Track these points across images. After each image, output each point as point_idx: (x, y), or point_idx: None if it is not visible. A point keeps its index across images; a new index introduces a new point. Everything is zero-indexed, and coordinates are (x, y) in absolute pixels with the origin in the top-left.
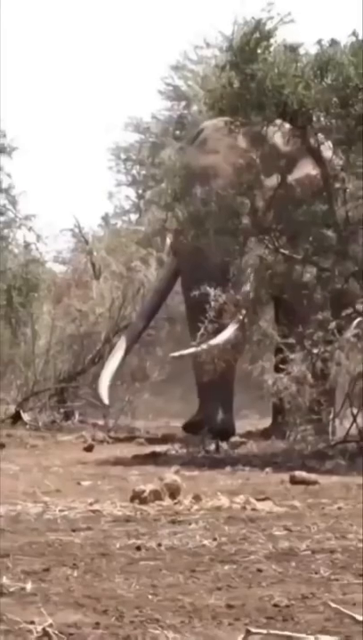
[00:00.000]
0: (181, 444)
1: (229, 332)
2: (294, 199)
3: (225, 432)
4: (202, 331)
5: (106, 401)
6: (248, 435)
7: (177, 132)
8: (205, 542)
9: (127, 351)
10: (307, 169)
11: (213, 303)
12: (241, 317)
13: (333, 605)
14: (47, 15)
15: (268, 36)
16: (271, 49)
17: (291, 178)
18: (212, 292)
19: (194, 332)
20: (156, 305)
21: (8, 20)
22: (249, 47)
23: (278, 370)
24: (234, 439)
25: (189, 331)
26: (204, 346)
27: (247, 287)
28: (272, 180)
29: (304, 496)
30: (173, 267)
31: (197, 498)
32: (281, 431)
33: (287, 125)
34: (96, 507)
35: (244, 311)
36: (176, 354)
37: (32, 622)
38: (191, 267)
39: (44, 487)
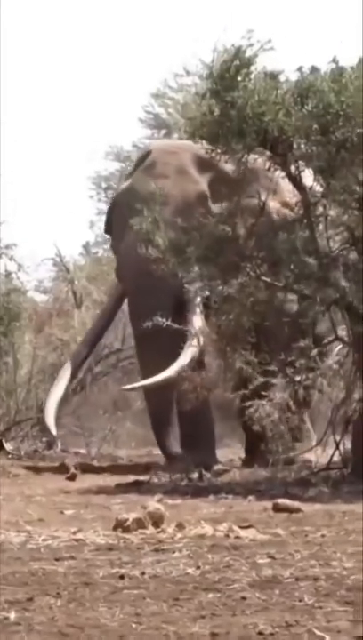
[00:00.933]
0: (164, 473)
1: (181, 361)
2: (275, 227)
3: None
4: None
5: (54, 431)
6: (231, 463)
7: None
8: (189, 570)
9: (71, 379)
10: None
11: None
12: (194, 346)
13: (317, 633)
14: (27, 43)
15: (248, 63)
16: (252, 76)
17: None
18: (163, 321)
19: (145, 363)
20: (100, 331)
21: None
22: (229, 74)
23: (259, 397)
24: (217, 467)
25: (138, 360)
26: (158, 377)
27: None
28: (221, 207)
29: (287, 524)
30: (118, 293)
31: (180, 526)
32: (264, 459)
33: (268, 153)
34: (79, 535)
35: (197, 340)
36: (128, 387)
37: None
38: (139, 293)
39: (27, 516)
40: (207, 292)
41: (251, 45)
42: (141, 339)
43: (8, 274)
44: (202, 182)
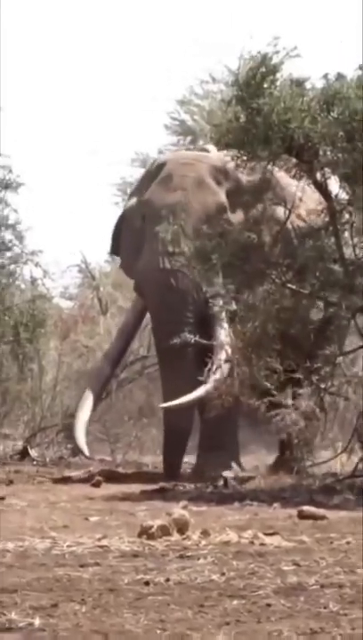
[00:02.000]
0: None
1: (214, 379)
2: (301, 234)
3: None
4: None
5: (87, 453)
6: (255, 470)
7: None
8: (214, 577)
9: (96, 399)
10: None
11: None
12: (223, 361)
13: None
14: (50, 43)
15: (274, 70)
16: (277, 83)
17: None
18: (191, 338)
19: (169, 378)
20: (122, 348)
21: (7, 49)
22: (255, 81)
23: (286, 405)
24: (242, 474)
25: (162, 375)
26: (193, 395)
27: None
28: (238, 216)
29: (312, 531)
30: (138, 307)
31: (205, 533)
32: (289, 466)
33: (294, 160)
34: (104, 542)
35: (225, 355)
36: (165, 405)
37: None
38: (162, 309)
39: (52, 523)
40: (234, 305)
41: (277, 52)
42: (165, 354)
43: (33, 280)
44: (220, 193)
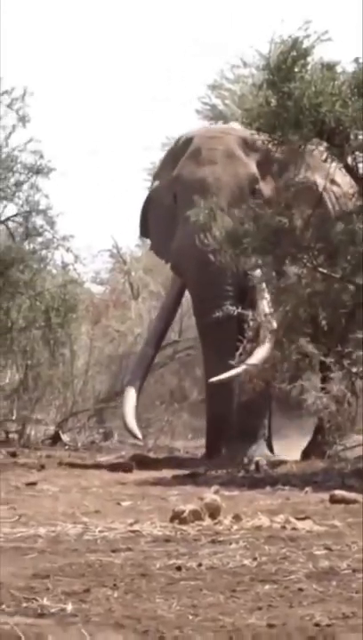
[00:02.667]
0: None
1: (264, 350)
2: (332, 217)
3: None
4: (241, 350)
5: (139, 436)
6: (287, 454)
7: None
8: (246, 562)
9: (142, 381)
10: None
11: (251, 323)
12: (270, 332)
13: None
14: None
15: (305, 54)
16: (308, 67)
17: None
18: (233, 309)
19: (214, 353)
20: (162, 330)
21: (40, 35)
22: (286, 65)
23: (318, 389)
24: (274, 459)
25: (206, 353)
26: (243, 366)
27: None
28: (270, 186)
29: (344, 515)
30: (176, 288)
31: (237, 517)
32: (321, 450)
33: (325, 144)
34: (136, 527)
35: (270, 326)
36: (216, 379)
37: None
38: (202, 285)
39: (84, 508)
40: (273, 274)
41: (308, 36)
42: (207, 329)
43: (65, 265)
44: (251, 164)
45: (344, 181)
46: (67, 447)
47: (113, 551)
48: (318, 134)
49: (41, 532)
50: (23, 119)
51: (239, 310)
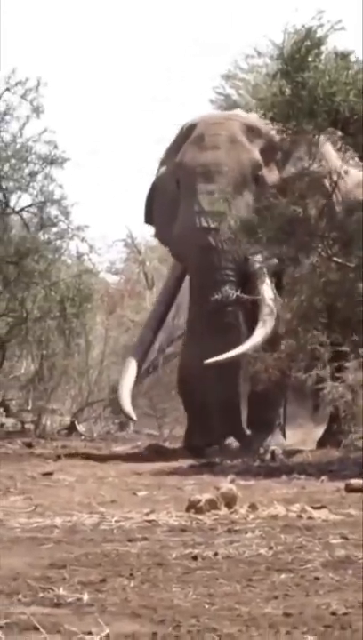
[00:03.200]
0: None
1: (264, 331)
2: (347, 206)
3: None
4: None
5: (134, 417)
6: (303, 443)
7: None
8: (262, 551)
9: (140, 365)
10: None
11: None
12: (269, 315)
13: None
14: (84, 35)
15: (318, 43)
16: (322, 56)
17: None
18: (233, 293)
19: (216, 338)
20: (162, 314)
21: (40, 36)
22: (300, 55)
23: (333, 378)
24: (289, 448)
25: (212, 338)
26: (242, 348)
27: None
28: (273, 174)
29: (360, 504)
30: (177, 273)
31: (253, 507)
32: (336, 439)
33: (339, 133)
34: (152, 517)
35: (270, 309)
36: (210, 360)
37: (89, 633)
38: (203, 269)
39: (100, 498)
40: (275, 260)
41: (321, 26)
42: (207, 315)
43: (80, 255)
44: (254, 150)
45: (351, 171)
46: (82, 437)
47: (129, 541)
48: (332, 124)
49: (57, 522)
50: (37, 110)
51: (239, 294)
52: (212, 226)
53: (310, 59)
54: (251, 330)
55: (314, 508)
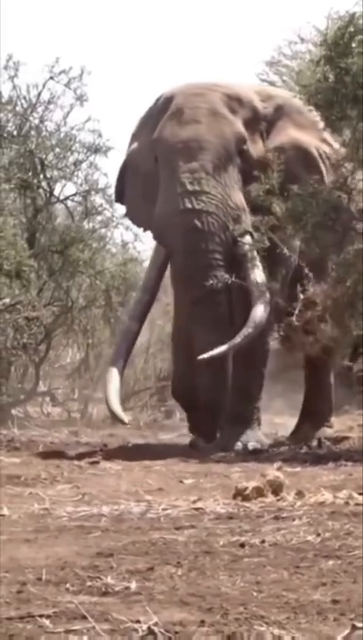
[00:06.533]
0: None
1: (255, 319)
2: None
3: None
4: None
5: (125, 419)
6: (350, 429)
7: None
8: (309, 538)
9: (126, 359)
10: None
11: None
12: (264, 302)
13: None
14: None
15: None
16: None
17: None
18: (226, 277)
19: (206, 330)
20: (147, 303)
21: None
22: (343, 41)
23: None
24: (336, 434)
25: (194, 327)
26: (237, 340)
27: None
28: (259, 147)
29: None
30: (160, 258)
31: (300, 494)
32: None
33: None
34: (199, 504)
35: (263, 295)
36: (207, 355)
37: (137, 621)
38: (189, 253)
39: (147, 486)
40: (266, 242)
41: None
42: (195, 304)
43: (124, 244)
44: (237, 123)
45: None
46: (129, 426)
47: (176, 529)
48: None
49: (104, 510)
50: (81, 98)
51: (234, 279)
52: (197, 207)
53: (353, 45)
54: (242, 317)
55: (361, 494)
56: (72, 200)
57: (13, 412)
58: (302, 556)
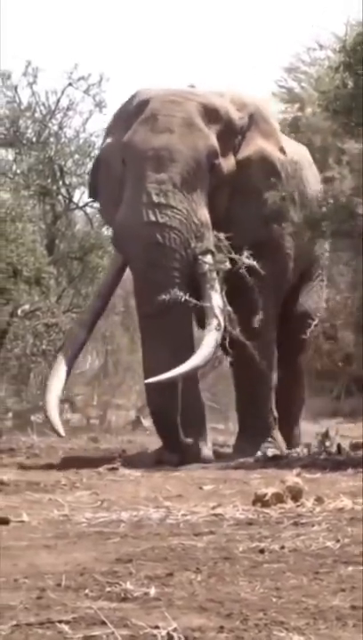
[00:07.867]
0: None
1: (206, 348)
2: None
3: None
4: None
5: (62, 432)
6: None
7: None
8: (329, 544)
9: (70, 367)
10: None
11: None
12: (217, 329)
13: None
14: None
15: None
16: None
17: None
18: (181, 295)
19: (156, 348)
20: (99, 310)
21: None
22: (362, 48)
23: None
24: (355, 441)
25: (144, 347)
26: (184, 367)
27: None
28: (230, 161)
29: None
30: (117, 265)
31: (319, 500)
32: None
33: None
34: (218, 510)
35: (218, 321)
36: (155, 379)
37: (156, 627)
38: (147, 268)
39: (166, 492)
40: (228, 264)
41: None
42: (148, 320)
43: None
44: (211, 136)
45: (291, 150)
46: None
47: (196, 535)
48: None
49: (123, 516)
50: (100, 105)
51: (187, 298)
52: (161, 220)
53: None
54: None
55: None
56: (91, 206)
57: (33, 418)
58: (321, 561)
